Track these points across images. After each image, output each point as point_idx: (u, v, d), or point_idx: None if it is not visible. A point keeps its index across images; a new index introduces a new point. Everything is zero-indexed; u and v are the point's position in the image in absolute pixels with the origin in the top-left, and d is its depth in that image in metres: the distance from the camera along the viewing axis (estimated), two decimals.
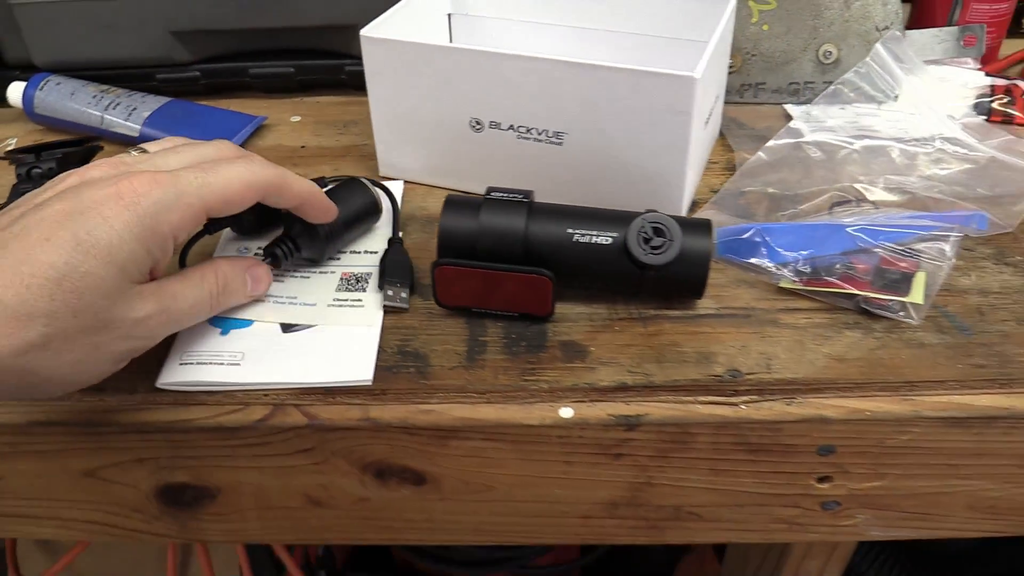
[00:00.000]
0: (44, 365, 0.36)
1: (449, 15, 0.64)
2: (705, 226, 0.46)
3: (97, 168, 0.40)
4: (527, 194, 0.47)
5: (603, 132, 0.50)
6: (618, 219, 0.46)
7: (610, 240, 0.45)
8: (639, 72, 0.47)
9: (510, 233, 0.45)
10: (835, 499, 0.47)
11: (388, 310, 0.49)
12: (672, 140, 0.49)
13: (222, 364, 0.45)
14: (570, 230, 0.46)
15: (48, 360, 0.36)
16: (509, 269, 0.45)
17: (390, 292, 0.49)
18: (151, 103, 0.64)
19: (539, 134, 0.52)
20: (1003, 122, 0.63)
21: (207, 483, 0.47)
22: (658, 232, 0.45)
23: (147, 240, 0.38)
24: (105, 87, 0.65)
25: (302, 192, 0.46)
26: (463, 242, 0.46)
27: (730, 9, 0.54)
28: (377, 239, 0.54)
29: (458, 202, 0.47)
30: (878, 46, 0.60)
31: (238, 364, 0.45)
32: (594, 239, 0.46)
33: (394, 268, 0.50)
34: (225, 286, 0.45)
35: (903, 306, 0.46)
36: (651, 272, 0.45)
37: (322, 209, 0.48)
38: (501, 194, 0.47)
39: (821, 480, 0.46)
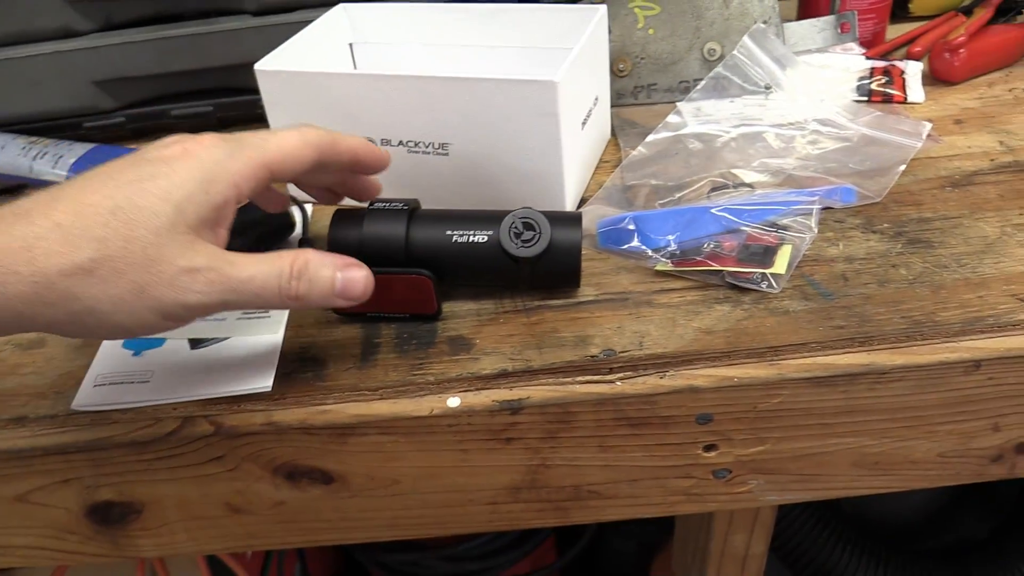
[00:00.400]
0: (88, 292, 0.37)
1: (351, 44, 0.67)
2: (575, 219, 0.49)
3: (170, 138, 0.43)
4: (409, 203, 0.50)
5: (483, 140, 0.54)
6: (494, 218, 0.49)
7: (486, 238, 0.49)
8: (506, 81, 0.51)
9: (392, 239, 0.49)
10: (725, 467, 0.50)
11: None
12: (545, 141, 0.52)
13: (133, 383, 0.48)
14: (449, 232, 0.49)
15: (92, 287, 0.37)
16: (389, 271, 0.48)
17: None
18: (77, 150, 0.68)
19: (426, 147, 0.55)
20: (883, 101, 0.66)
21: (131, 498, 0.50)
22: (528, 227, 0.48)
23: (207, 184, 0.40)
24: (34, 138, 0.69)
25: (354, 145, 0.47)
26: (350, 251, 0.49)
27: (598, 17, 0.58)
28: None
29: (345, 214, 0.50)
30: (745, 38, 0.63)
31: (147, 382, 0.48)
32: (471, 238, 0.49)
33: None
34: (301, 272, 0.42)
35: (764, 277, 0.48)
36: (526, 265, 0.48)
37: (377, 157, 0.48)
38: (383, 204, 0.50)
39: (707, 449, 0.49)
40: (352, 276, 0.44)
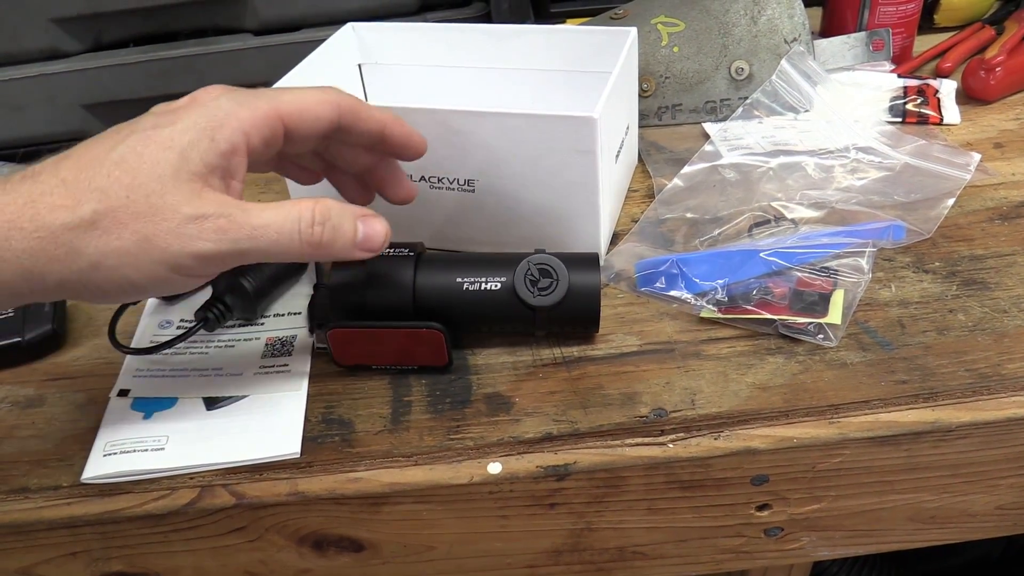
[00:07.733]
0: (92, 246, 0.36)
1: (359, 65, 0.63)
2: (592, 260, 0.47)
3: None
4: (415, 247, 0.47)
5: (512, 177, 0.50)
6: (507, 263, 0.46)
7: (499, 285, 0.46)
8: (539, 116, 0.47)
9: (399, 287, 0.46)
10: (777, 525, 0.47)
11: (321, 352, 0.49)
12: (581, 179, 0.49)
13: (146, 451, 0.44)
14: (459, 279, 0.46)
15: (96, 240, 0.36)
16: (400, 326, 0.45)
17: (322, 335, 0.48)
18: None
19: (451, 183, 0.52)
20: (918, 122, 0.64)
21: (144, 570, 0.46)
22: (544, 273, 0.45)
23: (213, 131, 0.38)
24: (18, 166, 0.64)
25: (383, 117, 0.43)
26: (353, 301, 0.46)
27: (630, 41, 0.54)
28: (299, 299, 0.54)
29: (345, 262, 0.47)
30: (784, 63, 0.60)
31: (162, 448, 0.44)
32: (483, 286, 0.46)
33: (323, 311, 0.50)
34: (325, 217, 0.39)
35: (820, 328, 0.46)
36: (543, 313, 0.45)
37: (408, 133, 0.44)
38: (388, 249, 0.46)
39: (760, 508, 0.46)
40: (374, 227, 0.42)
